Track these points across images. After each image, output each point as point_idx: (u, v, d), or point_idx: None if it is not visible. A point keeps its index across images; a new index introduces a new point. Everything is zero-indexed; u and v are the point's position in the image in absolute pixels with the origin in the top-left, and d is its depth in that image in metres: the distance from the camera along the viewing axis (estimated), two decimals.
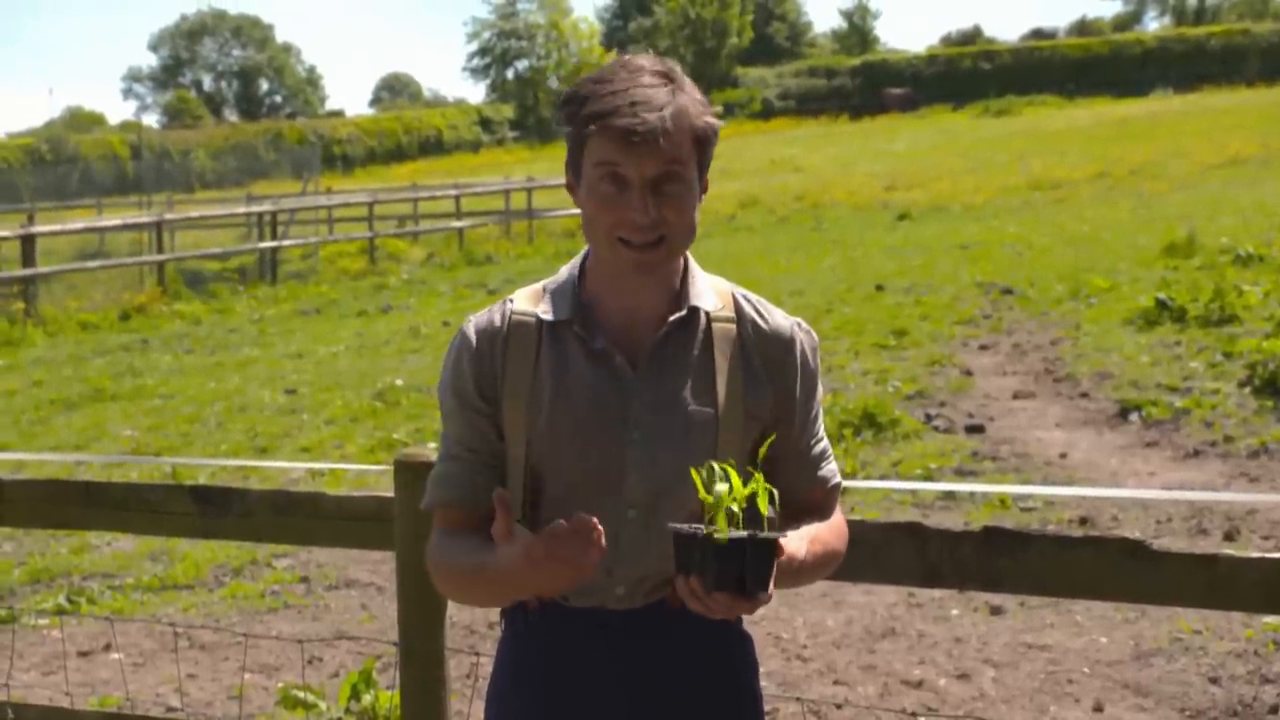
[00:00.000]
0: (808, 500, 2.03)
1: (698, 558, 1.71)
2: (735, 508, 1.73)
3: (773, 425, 1.99)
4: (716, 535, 1.70)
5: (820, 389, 2.07)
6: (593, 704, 1.99)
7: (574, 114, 1.91)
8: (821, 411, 2.08)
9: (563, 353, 1.97)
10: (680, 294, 1.99)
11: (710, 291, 2.01)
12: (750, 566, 1.71)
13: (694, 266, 2.03)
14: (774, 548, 1.71)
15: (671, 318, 1.96)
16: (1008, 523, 6.14)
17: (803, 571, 1.90)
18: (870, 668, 5.00)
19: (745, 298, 2.04)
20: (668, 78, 1.90)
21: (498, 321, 2.01)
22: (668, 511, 1.90)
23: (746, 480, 1.77)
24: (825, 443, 2.07)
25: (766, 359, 1.99)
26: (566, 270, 2.04)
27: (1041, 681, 4.81)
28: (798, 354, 2.01)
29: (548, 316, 1.99)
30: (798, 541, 1.87)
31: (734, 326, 1.99)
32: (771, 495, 1.75)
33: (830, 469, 2.06)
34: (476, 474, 1.99)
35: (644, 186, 1.87)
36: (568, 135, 1.94)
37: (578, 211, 1.98)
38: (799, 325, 2.04)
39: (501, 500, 1.78)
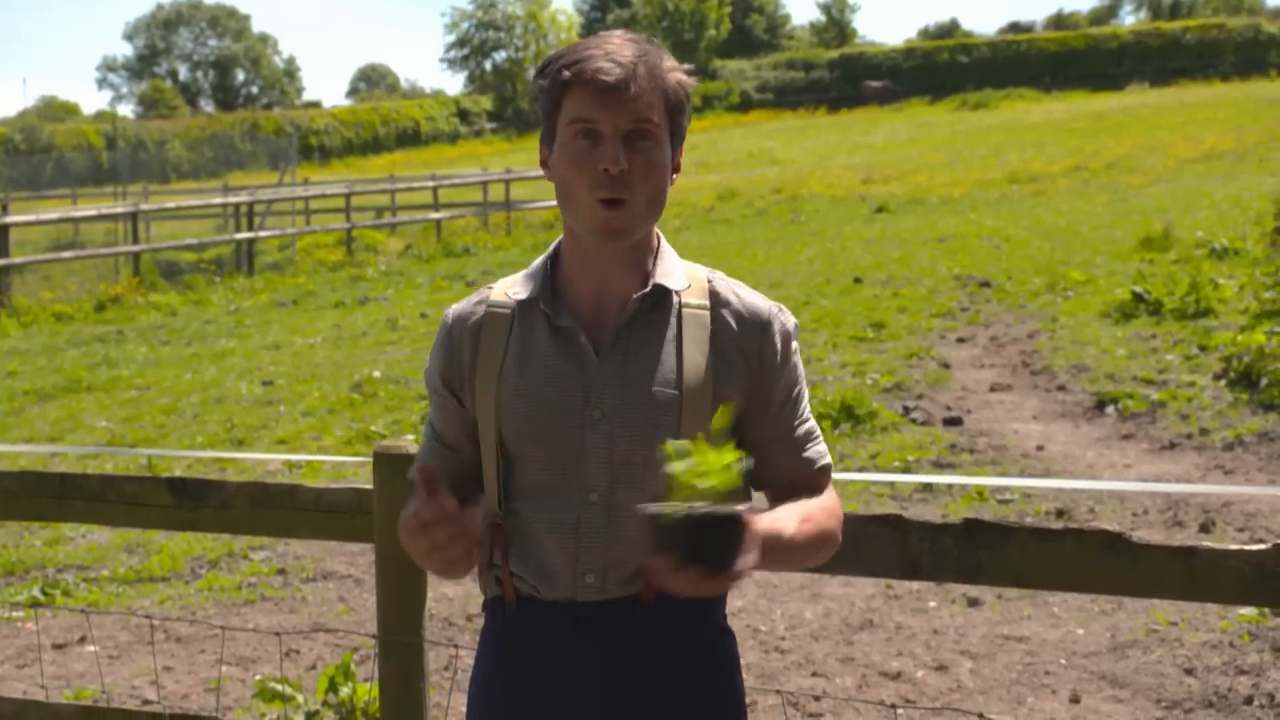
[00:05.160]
0: (795, 483, 2.00)
1: (660, 537, 1.70)
2: (702, 484, 1.69)
3: (747, 408, 1.97)
4: (669, 512, 1.67)
5: (801, 371, 2.04)
6: (568, 699, 1.97)
7: (548, 70, 1.93)
8: (805, 394, 2.05)
9: (530, 333, 1.98)
10: (650, 276, 1.98)
11: (680, 273, 1.99)
12: (713, 542, 1.68)
13: (666, 249, 2.02)
14: (736, 521, 1.68)
15: (636, 296, 1.95)
16: (985, 515, 6.17)
17: (794, 550, 1.87)
18: (848, 659, 5.01)
19: (722, 281, 2.02)
20: (640, 41, 1.94)
21: (474, 310, 2.04)
22: (627, 495, 1.89)
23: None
24: (810, 424, 2.04)
25: (740, 341, 1.96)
26: (544, 255, 2.06)
27: (1019, 673, 4.83)
28: (774, 335, 1.98)
29: (519, 297, 2.00)
30: (786, 518, 1.86)
31: (707, 311, 1.97)
32: (741, 466, 1.71)
33: (817, 450, 2.03)
34: (439, 455, 2.06)
35: (616, 138, 1.88)
36: (542, 101, 1.95)
37: (555, 203, 1.98)
38: (777, 308, 2.01)
39: (423, 472, 1.79)
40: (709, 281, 2.01)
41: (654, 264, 1.99)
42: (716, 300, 1.98)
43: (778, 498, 2.00)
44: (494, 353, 1.99)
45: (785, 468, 2.01)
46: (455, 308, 2.06)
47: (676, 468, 1.70)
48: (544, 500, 1.95)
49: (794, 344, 2.02)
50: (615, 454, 1.91)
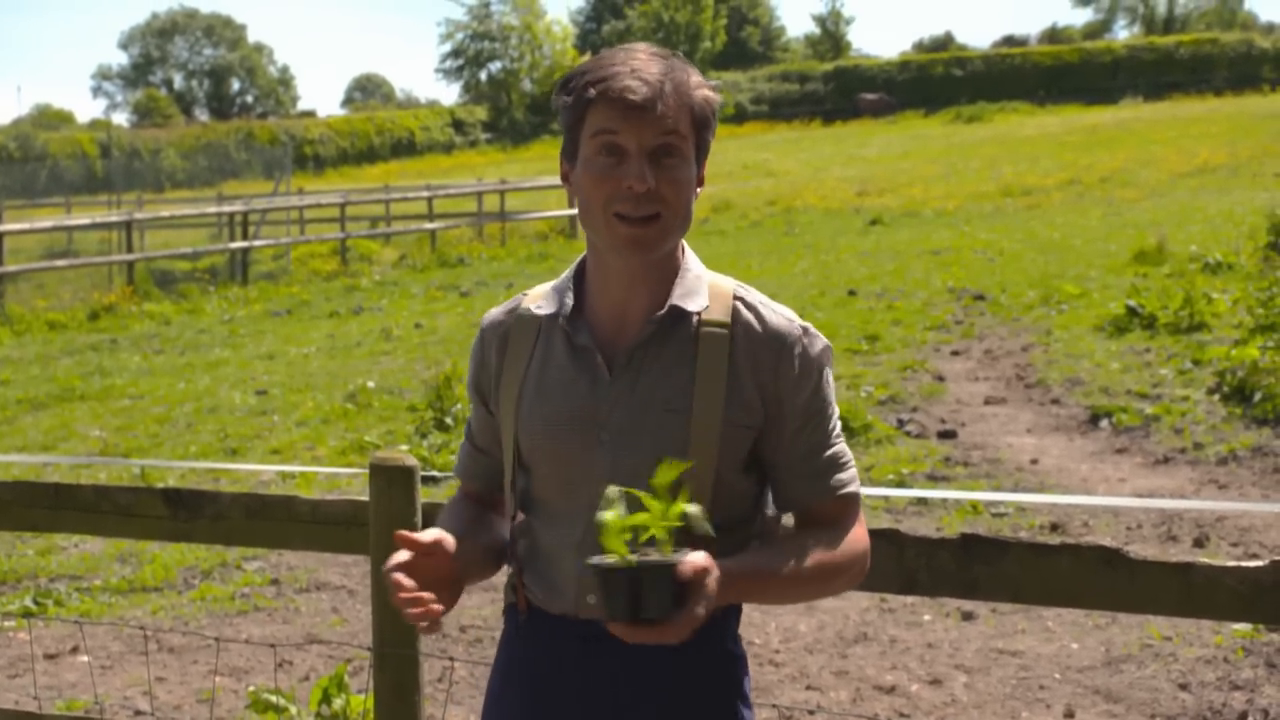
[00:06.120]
0: (814, 510, 1.95)
1: (597, 588, 1.70)
2: (658, 532, 1.69)
3: (765, 429, 1.92)
4: (595, 562, 1.68)
5: (828, 393, 1.96)
6: (570, 714, 1.96)
7: (573, 86, 1.90)
8: (834, 417, 1.97)
9: (550, 348, 1.98)
10: (670, 295, 1.94)
11: (702, 292, 1.95)
12: (646, 592, 1.66)
13: (691, 265, 1.98)
14: (667, 571, 1.67)
15: (652, 317, 1.92)
16: (980, 529, 6.17)
17: (775, 587, 1.88)
18: (843, 673, 5.00)
19: (745, 298, 1.97)
20: (666, 56, 1.91)
21: (505, 318, 2.05)
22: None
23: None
24: (836, 449, 1.96)
25: (756, 362, 1.92)
26: (570, 268, 2.04)
27: (1013, 687, 4.82)
28: (794, 355, 1.92)
29: (543, 312, 1.99)
30: (767, 555, 1.87)
31: (726, 330, 1.92)
32: (689, 516, 1.70)
33: (841, 477, 1.95)
34: (472, 457, 2.12)
35: (641, 155, 1.86)
36: (565, 115, 1.92)
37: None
38: (802, 328, 1.95)
39: (400, 538, 1.84)
40: (734, 298, 1.96)
41: (676, 282, 1.95)
42: (737, 318, 1.94)
43: (800, 524, 1.98)
44: (518, 364, 2.00)
45: (802, 493, 1.95)
46: (489, 315, 2.09)
47: (606, 516, 1.69)
48: (552, 516, 1.96)
49: (820, 365, 1.95)
50: (620, 475, 1.85)
